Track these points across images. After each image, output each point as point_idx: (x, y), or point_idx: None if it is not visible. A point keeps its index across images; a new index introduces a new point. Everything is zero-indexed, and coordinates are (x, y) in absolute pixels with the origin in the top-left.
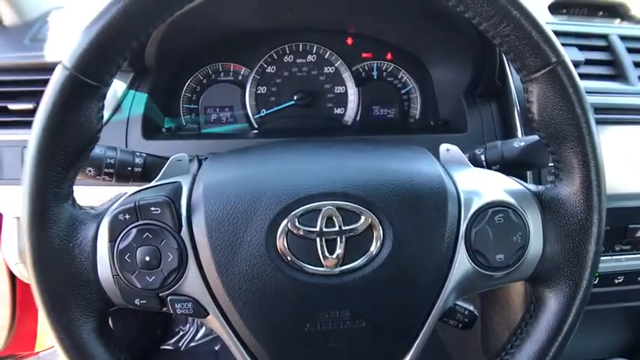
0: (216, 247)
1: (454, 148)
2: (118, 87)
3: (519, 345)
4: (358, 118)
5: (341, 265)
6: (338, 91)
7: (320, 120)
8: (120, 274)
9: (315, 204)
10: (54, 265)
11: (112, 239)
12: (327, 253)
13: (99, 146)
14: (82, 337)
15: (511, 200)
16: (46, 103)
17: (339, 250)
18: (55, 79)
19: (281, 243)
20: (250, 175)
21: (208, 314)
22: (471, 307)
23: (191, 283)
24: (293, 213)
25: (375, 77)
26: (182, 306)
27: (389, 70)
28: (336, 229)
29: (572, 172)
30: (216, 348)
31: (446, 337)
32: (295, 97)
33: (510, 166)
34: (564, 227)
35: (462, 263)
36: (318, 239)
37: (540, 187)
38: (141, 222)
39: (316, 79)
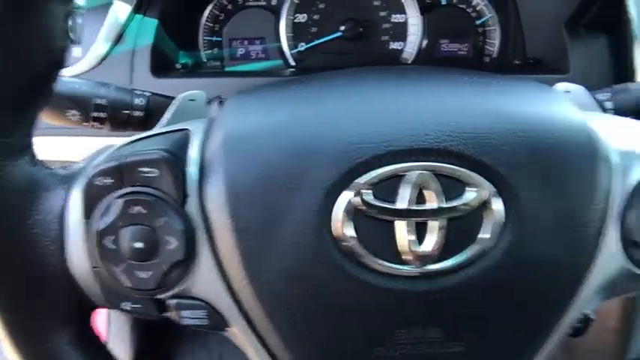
0: (244, 230)
1: (577, 89)
2: (120, 10)
3: None
4: (421, 54)
5: (435, 262)
6: (396, 20)
7: (372, 56)
8: (101, 267)
9: (397, 166)
10: (4, 250)
11: (88, 215)
12: (414, 243)
13: (87, 81)
14: (54, 352)
15: None
16: None
17: (434, 238)
18: None
19: (343, 226)
20: (296, 120)
21: (229, 326)
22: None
23: (204, 282)
24: (363, 180)
25: (444, 2)
26: (191, 314)
27: None
28: (433, 205)
29: None
30: None
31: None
32: (342, 28)
33: None
34: None
35: (610, 258)
36: (402, 222)
37: None
38: (128, 189)
39: (369, 4)
